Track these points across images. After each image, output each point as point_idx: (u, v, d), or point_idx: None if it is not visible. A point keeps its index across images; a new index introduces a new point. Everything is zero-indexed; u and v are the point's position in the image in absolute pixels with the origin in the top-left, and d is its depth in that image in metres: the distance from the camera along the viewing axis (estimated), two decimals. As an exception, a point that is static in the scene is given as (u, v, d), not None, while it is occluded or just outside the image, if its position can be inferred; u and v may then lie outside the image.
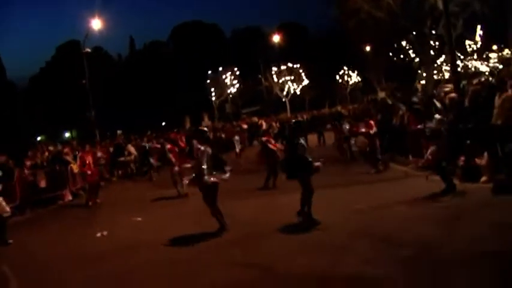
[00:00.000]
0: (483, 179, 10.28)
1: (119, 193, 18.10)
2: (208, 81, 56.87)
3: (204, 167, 8.79)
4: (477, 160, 10.79)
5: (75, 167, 18.40)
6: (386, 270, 5.86)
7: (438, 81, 30.16)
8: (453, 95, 13.43)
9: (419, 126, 13.95)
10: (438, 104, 14.24)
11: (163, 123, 64.37)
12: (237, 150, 25.75)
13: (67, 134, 72.60)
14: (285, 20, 77.04)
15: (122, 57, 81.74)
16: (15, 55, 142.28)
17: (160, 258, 7.90)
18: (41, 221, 14.35)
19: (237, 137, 26.69)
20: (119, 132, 37.35)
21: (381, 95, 58.26)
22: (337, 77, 70.24)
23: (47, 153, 20.21)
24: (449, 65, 46.04)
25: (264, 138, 15.28)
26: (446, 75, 60.64)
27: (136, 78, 70.40)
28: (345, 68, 68.95)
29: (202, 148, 9.04)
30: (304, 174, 8.89)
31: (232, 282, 6.31)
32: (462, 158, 11.29)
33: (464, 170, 11.05)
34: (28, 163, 17.83)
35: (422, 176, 11.67)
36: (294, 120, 12.32)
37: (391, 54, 28.19)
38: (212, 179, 8.82)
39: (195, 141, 9.80)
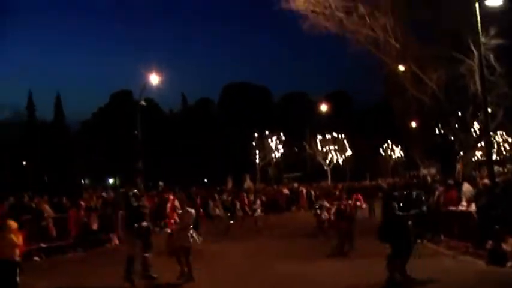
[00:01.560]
0: (509, 264, 10.86)
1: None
2: (254, 143, 58.04)
3: None
4: (504, 245, 11.39)
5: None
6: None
7: (479, 163, 30.50)
8: (486, 180, 14.22)
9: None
10: (466, 188, 15.03)
11: (206, 180, 65.46)
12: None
13: (110, 180, 74.71)
14: (333, 88, 78.51)
15: (174, 112, 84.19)
16: (70, 98, 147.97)
17: None
18: (91, 260, 15.39)
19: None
20: (161, 183, 38.43)
21: (424, 171, 58.49)
22: (381, 150, 70.77)
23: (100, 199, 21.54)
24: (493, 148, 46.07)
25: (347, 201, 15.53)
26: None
27: (185, 134, 72.26)
28: (389, 142, 69.48)
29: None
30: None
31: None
32: (490, 242, 11.92)
33: (491, 253, 11.64)
34: (83, 204, 19.14)
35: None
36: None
37: (435, 134, 28.84)
38: None
39: None
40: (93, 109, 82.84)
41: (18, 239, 9.69)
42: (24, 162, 64.37)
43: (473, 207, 14.11)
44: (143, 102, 37.37)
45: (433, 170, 50.34)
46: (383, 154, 70.97)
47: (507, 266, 10.73)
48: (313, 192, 34.43)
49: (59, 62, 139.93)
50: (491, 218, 12.31)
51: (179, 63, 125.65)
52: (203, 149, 70.14)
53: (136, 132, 37.68)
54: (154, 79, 33.08)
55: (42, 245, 15.54)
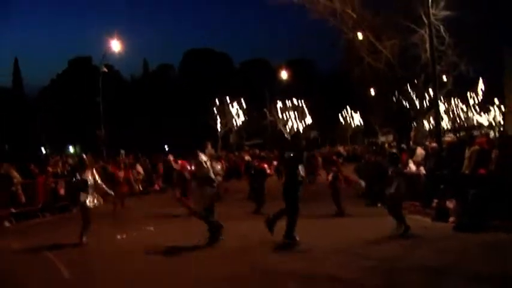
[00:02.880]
0: (451, 219, 11.94)
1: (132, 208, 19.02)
2: (215, 110, 58.33)
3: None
4: (447, 203, 12.49)
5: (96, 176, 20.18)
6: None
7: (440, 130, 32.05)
8: (434, 145, 15.33)
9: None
10: (419, 152, 16.13)
11: (166, 147, 65.55)
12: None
13: (71, 148, 74.00)
14: (294, 56, 79.18)
15: (135, 78, 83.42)
16: (28, 64, 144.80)
17: (159, 258, 9.85)
18: (61, 224, 15.93)
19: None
20: (122, 151, 38.56)
21: (382, 139, 60.19)
22: (340, 118, 72.24)
23: (67, 165, 21.88)
24: (447, 115, 47.67)
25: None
26: (444, 125, 63.00)
27: (145, 100, 71.91)
28: (349, 109, 70.92)
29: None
30: None
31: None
32: (435, 200, 13.04)
33: (436, 210, 12.75)
34: (50, 170, 19.50)
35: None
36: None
37: (391, 101, 30.01)
38: None
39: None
40: (51, 75, 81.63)
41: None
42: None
43: (422, 169, 15.27)
44: (105, 69, 37.23)
45: (390, 137, 52.05)
46: (342, 122, 72.49)
47: (449, 222, 11.79)
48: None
49: (17, 26, 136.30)
50: (437, 178, 13.45)
51: (141, 29, 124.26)
52: (164, 116, 69.94)
53: (97, 98, 37.63)
54: (115, 46, 32.97)
55: (12, 210, 15.95)
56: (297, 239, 10.24)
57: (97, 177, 11.92)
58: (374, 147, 32.98)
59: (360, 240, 10.34)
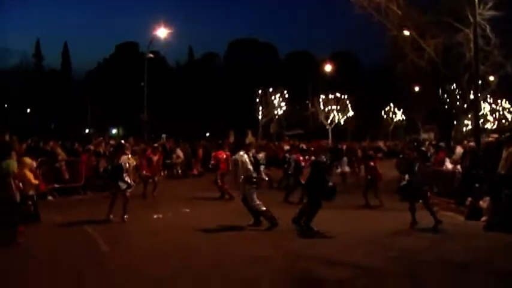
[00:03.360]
0: (483, 218, 11.94)
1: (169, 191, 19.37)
2: (257, 99, 58.67)
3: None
4: (481, 202, 12.48)
5: (131, 161, 20.80)
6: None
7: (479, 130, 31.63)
8: (472, 144, 15.27)
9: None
10: (458, 151, 16.07)
11: (208, 134, 66.38)
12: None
13: (114, 131, 75.65)
14: (339, 49, 78.60)
15: (180, 65, 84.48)
16: (77, 48, 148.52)
17: (191, 236, 10.30)
18: (101, 201, 16.48)
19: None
20: (163, 136, 39.27)
21: (424, 135, 59.45)
22: (383, 113, 71.63)
23: (109, 146, 22.58)
24: (492, 115, 46.63)
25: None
26: (489, 125, 61.75)
27: (190, 87, 72.87)
28: (391, 105, 70.25)
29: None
30: None
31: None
32: (469, 199, 13.03)
33: (470, 209, 12.75)
34: (92, 149, 20.18)
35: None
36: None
37: (434, 98, 29.73)
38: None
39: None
40: (98, 59, 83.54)
41: (32, 176, 10.77)
42: (28, 110, 65.37)
43: (459, 168, 15.24)
44: (151, 55, 37.99)
45: (432, 135, 51.38)
46: (384, 116, 71.87)
47: (481, 221, 11.80)
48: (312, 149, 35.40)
49: (67, 11, 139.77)
50: (473, 177, 13.43)
51: (188, 16, 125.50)
52: (207, 103, 70.73)
53: (142, 84, 38.44)
54: (162, 32, 33.60)
55: (56, 185, 16.62)
56: (315, 229, 10.48)
57: (131, 162, 12.49)
58: (415, 143, 32.66)
59: (388, 232, 10.57)
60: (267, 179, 15.73)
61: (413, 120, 63.31)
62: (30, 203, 10.68)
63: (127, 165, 12.10)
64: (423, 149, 14.16)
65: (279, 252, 8.92)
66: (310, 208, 10.65)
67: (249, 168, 11.18)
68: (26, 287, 7.21)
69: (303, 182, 14.28)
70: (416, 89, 42.56)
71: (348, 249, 9.14)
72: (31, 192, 10.64)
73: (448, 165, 16.13)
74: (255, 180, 11.26)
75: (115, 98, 67.80)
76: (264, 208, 11.17)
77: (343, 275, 7.50)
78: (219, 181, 16.57)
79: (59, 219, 12.19)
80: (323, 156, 11.52)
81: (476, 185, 12.93)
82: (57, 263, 8.31)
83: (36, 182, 10.86)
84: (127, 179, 12.00)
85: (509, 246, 9.49)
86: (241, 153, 11.54)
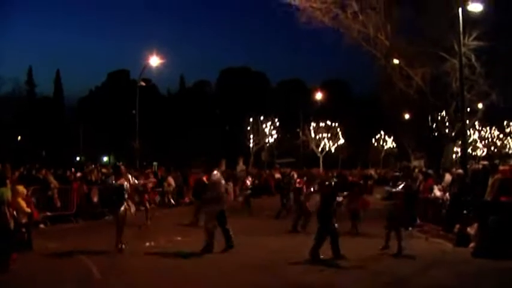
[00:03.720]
0: (471, 245, 12.11)
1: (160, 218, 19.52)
2: (248, 127, 59.08)
3: None
4: (469, 229, 12.66)
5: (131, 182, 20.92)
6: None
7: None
8: (460, 171, 15.51)
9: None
10: (447, 178, 16.31)
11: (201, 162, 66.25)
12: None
13: (105, 158, 75.52)
14: (330, 77, 79.39)
15: (172, 93, 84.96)
16: (69, 74, 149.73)
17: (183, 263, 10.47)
18: (93, 229, 16.59)
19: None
20: (154, 163, 39.26)
21: (415, 163, 59.79)
22: (373, 140, 72.18)
23: (100, 174, 22.68)
24: (481, 142, 47.21)
25: None
26: (479, 152, 62.37)
27: (181, 115, 73.16)
28: (382, 132, 70.82)
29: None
30: None
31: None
32: (457, 226, 13.21)
33: (458, 236, 12.92)
34: (82, 176, 20.27)
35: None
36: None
37: (423, 126, 30.19)
38: None
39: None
40: (90, 86, 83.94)
41: (25, 204, 10.88)
42: (19, 137, 65.32)
43: (447, 195, 15.47)
44: (142, 83, 38.18)
45: (422, 162, 51.75)
46: (375, 144, 72.40)
47: (469, 247, 11.97)
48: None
49: (59, 38, 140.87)
50: (460, 204, 13.64)
51: (179, 45, 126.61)
52: (198, 131, 70.91)
53: (134, 111, 38.52)
54: (153, 61, 33.84)
55: (48, 213, 16.67)
56: (321, 256, 10.64)
57: (129, 184, 12.21)
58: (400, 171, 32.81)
59: (379, 258, 10.68)
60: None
61: (404, 148, 63.75)
62: (24, 230, 10.74)
63: (127, 187, 11.85)
64: (396, 174, 14.25)
65: (273, 278, 9.09)
66: (320, 236, 10.84)
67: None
68: None
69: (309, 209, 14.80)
70: (407, 116, 43.01)
71: (339, 275, 9.39)
72: (24, 220, 10.72)
73: (437, 192, 16.36)
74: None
75: (107, 125, 67.88)
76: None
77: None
78: None
79: (52, 247, 12.25)
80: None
81: (464, 212, 13.10)
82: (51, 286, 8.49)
83: (28, 210, 10.97)
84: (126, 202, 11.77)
85: (496, 272, 9.64)
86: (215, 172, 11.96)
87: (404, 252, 11.07)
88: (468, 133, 38.77)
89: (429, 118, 27.14)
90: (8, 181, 10.10)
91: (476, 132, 55.66)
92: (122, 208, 11.63)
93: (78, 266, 10.28)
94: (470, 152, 41.88)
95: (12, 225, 9.55)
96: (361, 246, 12.54)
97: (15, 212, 9.92)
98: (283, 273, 9.54)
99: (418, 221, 16.28)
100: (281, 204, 19.29)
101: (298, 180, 17.16)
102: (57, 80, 78.81)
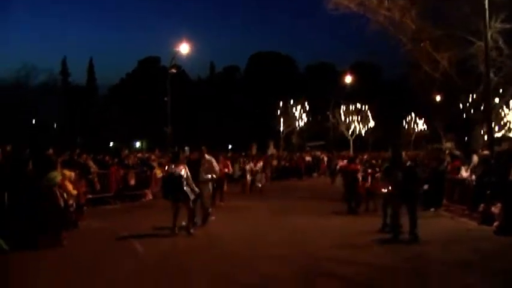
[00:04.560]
0: (495, 223, 12.55)
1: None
2: (278, 111, 59.55)
3: None
4: (493, 208, 13.07)
5: (158, 172, 21.94)
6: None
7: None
8: (486, 152, 15.83)
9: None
10: (475, 159, 16.62)
11: (230, 146, 67.20)
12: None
13: (137, 144, 77.09)
14: (360, 59, 78.94)
15: (202, 79, 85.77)
16: (101, 63, 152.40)
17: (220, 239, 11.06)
18: (131, 210, 17.61)
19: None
20: (186, 148, 39.99)
21: (447, 145, 59.29)
22: (404, 123, 71.83)
23: (136, 158, 23.64)
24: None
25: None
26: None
27: (211, 100, 73.98)
28: (413, 114, 70.38)
29: None
30: None
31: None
32: (482, 205, 13.63)
33: (482, 215, 13.36)
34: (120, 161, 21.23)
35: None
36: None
37: (452, 109, 30.24)
38: None
39: None
40: (121, 74, 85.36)
41: (71, 186, 11.75)
42: (55, 125, 67.16)
43: (473, 176, 15.84)
44: (173, 70, 38.94)
45: (453, 144, 51.39)
46: (406, 126, 72.04)
47: (493, 226, 12.40)
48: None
49: (91, 28, 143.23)
50: (485, 185, 14.03)
51: (209, 31, 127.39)
52: (228, 116, 71.67)
53: (165, 98, 39.36)
54: (183, 48, 34.55)
55: (89, 196, 17.62)
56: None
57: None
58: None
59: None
60: None
61: (435, 130, 63.26)
62: (72, 209, 11.64)
63: (185, 174, 12.02)
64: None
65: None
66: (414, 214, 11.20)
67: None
68: (80, 279, 8.07)
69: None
70: (438, 98, 42.73)
71: (363, 250, 10.02)
72: (71, 201, 11.59)
73: (464, 173, 16.70)
74: None
75: (139, 111, 69.12)
76: None
77: (356, 272, 8.29)
78: None
79: (95, 226, 13.34)
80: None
81: (488, 192, 13.50)
82: (100, 260, 9.39)
83: (75, 192, 11.84)
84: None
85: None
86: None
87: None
88: (503, 114, 38.64)
89: (458, 100, 27.13)
90: (59, 165, 11.01)
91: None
92: (192, 196, 12.04)
93: (122, 242, 11.21)
94: (505, 132, 41.38)
95: (62, 205, 10.46)
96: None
97: (65, 194, 10.80)
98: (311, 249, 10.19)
99: (445, 201, 16.84)
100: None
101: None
102: (90, 69, 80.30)
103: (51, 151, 15.16)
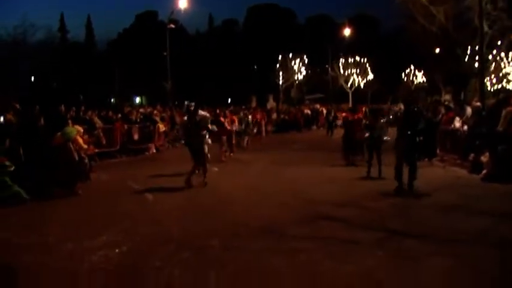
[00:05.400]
0: (484, 171, 13.26)
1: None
2: (277, 64, 59.65)
3: None
4: (482, 157, 13.76)
5: (161, 126, 22.67)
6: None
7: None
8: (478, 104, 16.45)
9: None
10: (468, 111, 17.20)
11: (229, 100, 67.59)
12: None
13: (137, 99, 77.45)
14: (359, 12, 78.42)
15: (200, 33, 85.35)
16: (98, 18, 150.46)
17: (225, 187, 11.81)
18: (136, 163, 18.52)
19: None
20: (186, 102, 40.46)
21: (446, 97, 59.59)
22: (403, 75, 71.93)
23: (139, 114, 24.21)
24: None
25: None
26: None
27: (210, 54, 73.88)
28: (412, 67, 70.41)
29: None
30: None
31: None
32: (472, 155, 14.32)
33: (472, 164, 14.07)
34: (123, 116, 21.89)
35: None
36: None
37: (449, 61, 30.62)
38: None
39: None
40: (119, 30, 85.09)
41: (82, 141, 12.47)
42: (54, 84, 67.32)
43: (465, 127, 16.48)
44: (172, 25, 39.07)
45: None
46: (405, 79, 72.17)
47: (482, 174, 13.12)
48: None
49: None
50: (476, 135, 14.69)
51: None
52: (228, 70, 71.77)
53: (165, 53, 39.61)
54: (182, 2, 34.66)
55: (96, 150, 18.30)
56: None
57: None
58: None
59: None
60: None
61: (435, 82, 63.44)
62: (86, 162, 12.39)
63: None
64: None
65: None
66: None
67: None
68: (96, 225, 8.66)
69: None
70: (437, 51, 42.92)
71: (357, 196, 10.81)
72: (82, 155, 12.30)
73: (457, 124, 17.29)
74: None
75: (138, 67, 69.20)
76: None
77: (351, 214, 9.04)
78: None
79: (105, 178, 14.26)
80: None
81: (477, 142, 14.17)
82: (114, 205, 10.31)
83: (85, 146, 12.54)
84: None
85: (499, 194, 10.80)
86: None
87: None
88: (502, 66, 38.97)
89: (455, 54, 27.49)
90: (70, 121, 11.69)
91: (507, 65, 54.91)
92: (206, 150, 12.71)
93: (131, 189, 12.08)
94: (505, 85, 41.70)
95: (76, 158, 11.19)
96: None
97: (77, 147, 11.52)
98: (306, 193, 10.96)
99: (438, 151, 17.51)
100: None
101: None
102: (88, 25, 79.96)
103: (62, 108, 15.77)
